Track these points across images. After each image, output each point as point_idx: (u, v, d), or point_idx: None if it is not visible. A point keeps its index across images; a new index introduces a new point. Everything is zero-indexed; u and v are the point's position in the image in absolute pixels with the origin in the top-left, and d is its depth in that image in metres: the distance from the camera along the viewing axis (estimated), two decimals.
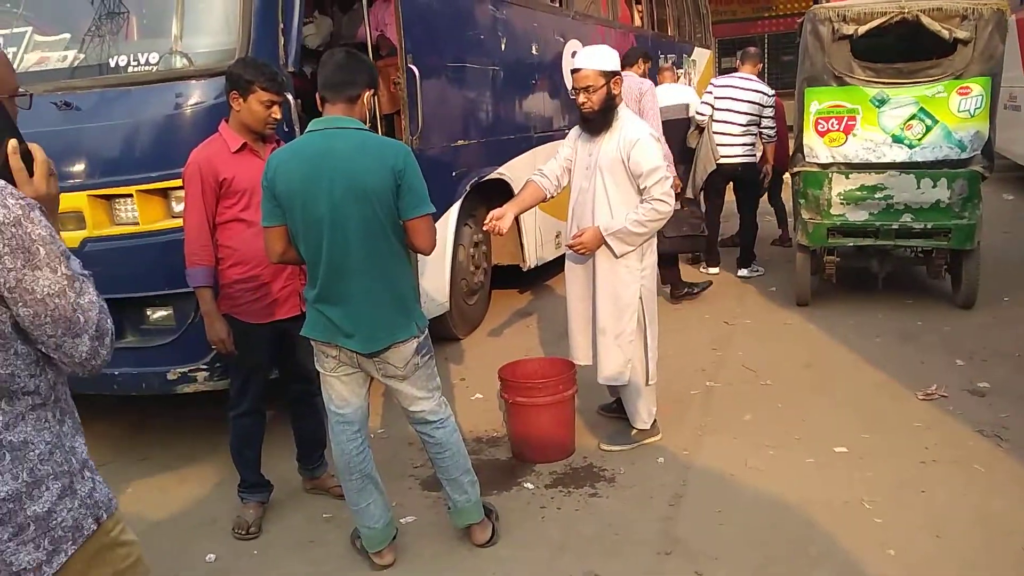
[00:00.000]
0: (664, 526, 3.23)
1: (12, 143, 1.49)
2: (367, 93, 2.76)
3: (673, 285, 6.36)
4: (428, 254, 2.88)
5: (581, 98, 3.60)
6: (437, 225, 3.06)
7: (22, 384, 1.45)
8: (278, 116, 3.12)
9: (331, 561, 3.13)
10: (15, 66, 3.72)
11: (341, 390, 2.92)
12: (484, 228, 3.65)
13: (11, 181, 1.47)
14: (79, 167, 3.56)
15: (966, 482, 3.44)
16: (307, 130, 2.74)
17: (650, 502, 3.42)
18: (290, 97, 3.70)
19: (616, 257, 3.65)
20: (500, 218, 3.59)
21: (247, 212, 3.09)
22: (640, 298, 3.75)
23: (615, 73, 3.60)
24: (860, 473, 3.57)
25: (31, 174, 1.51)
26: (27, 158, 1.51)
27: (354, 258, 2.70)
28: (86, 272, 1.55)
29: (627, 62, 6.37)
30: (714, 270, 7.16)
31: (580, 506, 3.42)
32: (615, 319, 3.74)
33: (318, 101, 2.75)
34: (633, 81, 6.19)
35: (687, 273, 6.76)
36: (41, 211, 1.45)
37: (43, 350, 1.47)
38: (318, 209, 2.65)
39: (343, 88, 2.70)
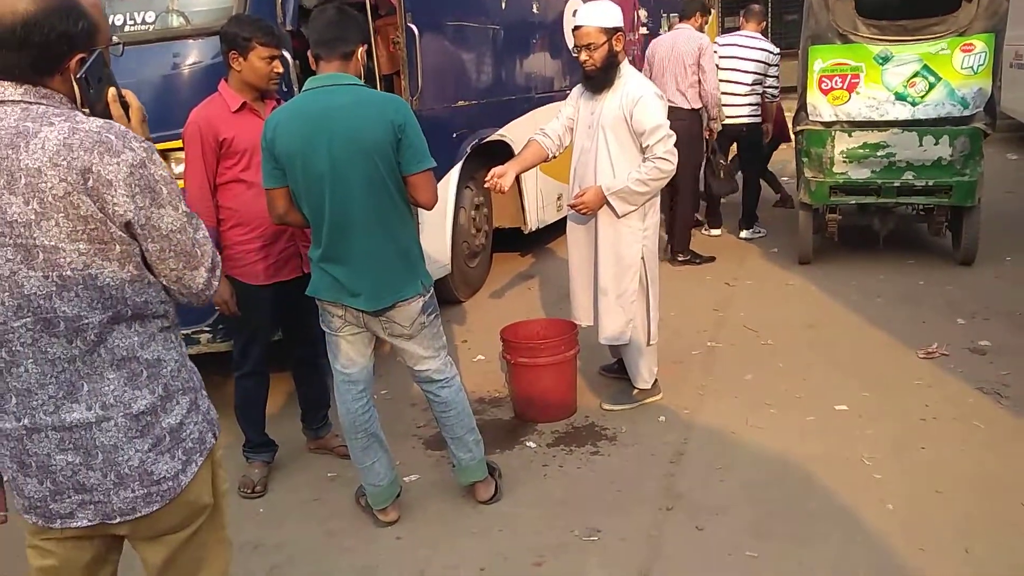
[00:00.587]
0: (665, 483, 3.27)
1: (112, 91, 1.56)
2: (361, 48, 2.75)
3: (681, 250, 6.36)
4: (430, 209, 2.88)
5: (583, 56, 3.57)
6: (438, 187, 3.05)
7: (154, 309, 1.58)
8: (280, 70, 3.10)
9: (335, 519, 3.17)
10: None
11: (347, 350, 2.92)
12: (486, 185, 3.63)
13: None
14: None
15: (966, 439, 3.47)
16: (304, 89, 2.73)
17: (651, 459, 3.45)
18: (287, 55, 3.65)
19: (618, 217, 3.64)
20: (502, 176, 3.57)
21: (247, 173, 3.07)
22: (642, 258, 3.74)
23: (617, 29, 3.56)
24: (860, 430, 3.60)
25: (128, 120, 1.59)
26: (124, 105, 1.58)
27: (357, 215, 2.69)
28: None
29: (684, 15, 6.29)
30: (716, 232, 7.15)
31: (582, 464, 3.45)
32: (617, 279, 3.74)
33: (311, 60, 2.74)
34: (691, 36, 6.10)
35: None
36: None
37: (164, 282, 1.57)
38: (319, 167, 2.63)
39: (336, 45, 2.68)
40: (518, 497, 3.21)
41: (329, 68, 2.69)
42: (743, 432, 3.64)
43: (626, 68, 3.66)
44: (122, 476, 1.55)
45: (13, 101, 1.46)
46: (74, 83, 1.51)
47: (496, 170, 3.59)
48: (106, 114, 1.54)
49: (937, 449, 3.40)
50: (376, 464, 3.00)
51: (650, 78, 5.52)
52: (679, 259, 6.35)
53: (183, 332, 3.51)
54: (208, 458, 1.68)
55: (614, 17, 3.58)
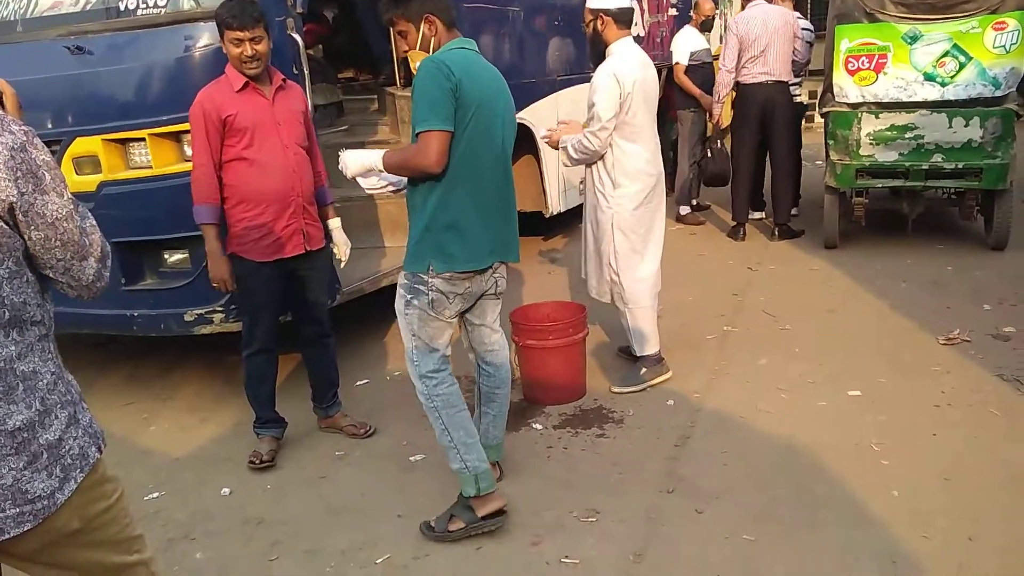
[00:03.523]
0: (668, 466, 3.25)
1: None
2: None
3: (783, 222, 6.45)
4: None
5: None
6: None
7: (31, 313, 1.49)
8: (250, 53, 3.06)
9: (340, 496, 3.21)
10: (28, 12, 3.77)
11: (448, 332, 2.89)
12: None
13: None
14: (93, 111, 3.61)
15: (980, 426, 3.40)
16: (457, 46, 2.75)
17: (656, 443, 3.43)
18: (297, 37, 3.68)
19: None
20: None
21: (249, 151, 3.12)
22: (612, 227, 3.83)
23: (600, 11, 3.72)
24: (872, 416, 3.54)
25: (2, 107, 1.53)
26: None
27: (509, 170, 2.85)
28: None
29: None
30: (758, 215, 7.05)
31: (586, 446, 3.45)
32: (596, 241, 3.93)
33: (440, 25, 2.76)
34: (782, 11, 6.17)
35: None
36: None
37: (51, 274, 1.51)
38: (497, 121, 2.75)
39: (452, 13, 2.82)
40: (519, 477, 3.22)
41: (454, 35, 2.80)
42: (752, 417, 3.60)
43: (616, 47, 3.73)
44: None
45: None
46: None
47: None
48: None
49: (949, 436, 3.33)
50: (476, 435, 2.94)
51: (739, 56, 6.00)
52: (779, 232, 6.43)
53: (195, 312, 3.66)
54: (90, 474, 1.58)
55: (600, 0, 3.74)
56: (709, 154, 6.63)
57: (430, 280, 2.73)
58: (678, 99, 7.22)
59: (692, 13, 7.28)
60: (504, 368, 3.06)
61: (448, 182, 2.68)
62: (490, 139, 2.73)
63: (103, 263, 1.56)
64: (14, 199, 1.39)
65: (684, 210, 7.18)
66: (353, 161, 2.86)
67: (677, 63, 6.95)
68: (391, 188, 2.91)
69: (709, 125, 6.92)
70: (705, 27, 7.14)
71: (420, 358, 2.85)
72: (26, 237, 1.43)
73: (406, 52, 2.84)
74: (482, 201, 2.75)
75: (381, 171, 2.83)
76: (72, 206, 1.48)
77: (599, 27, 3.73)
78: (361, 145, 4.88)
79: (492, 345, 3.03)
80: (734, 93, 6.45)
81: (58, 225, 1.45)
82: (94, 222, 1.54)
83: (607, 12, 3.69)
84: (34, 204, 1.41)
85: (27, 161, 1.41)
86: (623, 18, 3.73)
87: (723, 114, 6.75)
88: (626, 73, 3.62)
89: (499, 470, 3.18)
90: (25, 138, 1.42)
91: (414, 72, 2.70)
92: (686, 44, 6.97)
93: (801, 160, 7.02)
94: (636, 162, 3.76)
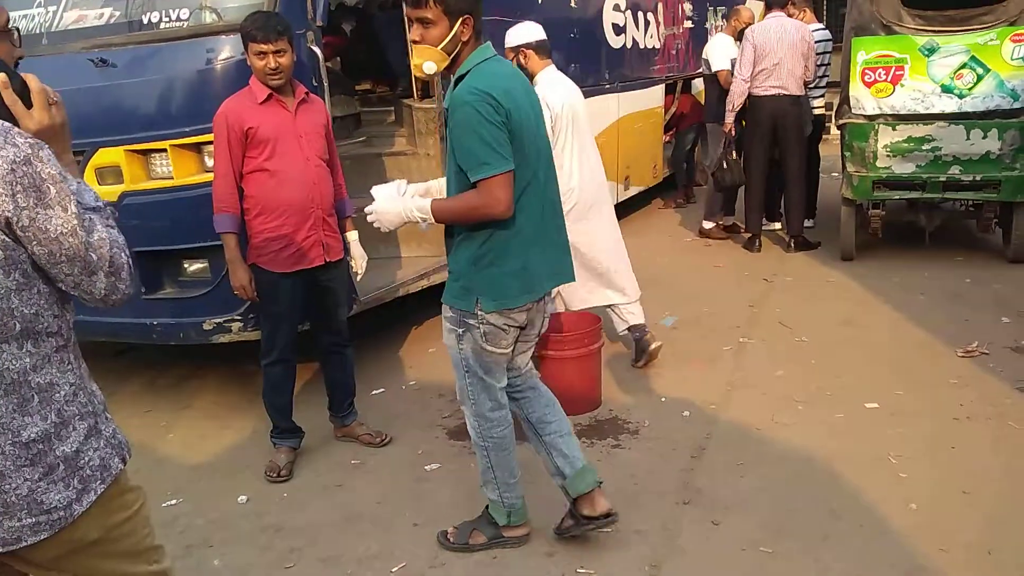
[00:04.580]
0: (684, 477, 3.25)
1: (2, 77, 1.47)
2: None
3: (796, 235, 6.47)
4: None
5: None
6: None
7: (46, 324, 1.47)
8: (274, 65, 3.09)
9: (356, 504, 3.23)
10: (54, 26, 3.84)
11: (505, 363, 2.67)
12: None
13: (13, 121, 1.47)
14: (116, 122, 3.66)
15: (999, 439, 3.37)
16: (489, 57, 2.47)
17: (672, 454, 3.43)
18: (317, 50, 3.72)
19: None
20: None
21: (271, 162, 3.15)
22: None
23: (520, 47, 3.94)
24: (890, 429, 3.52)
25: (29, 106, 1.51)
26: (24, 91, 1.50)
27: (555, 194, 2.64)
28: (99, 204, 1.56)
29: (777, 3, 6.21)
30: (776, 225, 7.02)
31: (602, 457, 3.45)
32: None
33: (471, 32, 2.42)
34: (797, 25, 6.14)
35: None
36: (50, 150, 1.45)
37: (63, 288, 1.49)
38: (540, 138, 2.54)
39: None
40: (536, 488, 3.20)
41: (480, 43, 2.49)
42: (768, 429, 3.59)
43: (541, 76, 3.96)
44: (8, 505, 1.45)
45: None
46: None
47: None
48: (4, 107, 1.47)
49: (968, 449, 3.31)
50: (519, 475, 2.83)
51: (754, 66, 5.99)
52: (794, 244, 6.42)
53: (214, 321, 3.70)
54: (112, 485, 1.56)
55: (515, 37, 3.96)
56: (724, 165, 6.59)
57: (480, 314, 2.51)
58: (709, 111, 7.15)
59: (725, 20, 7.21)
60: (543, 388, 2.85)
61: (527, 208, 2.48)
62: (539, 158, 2.52)
63: (115, 276, 1.51)
64: (10, 214, 1.37)
65: (708, 224, 7.08)
66: (389, 216, 2.53)
67: (720, 70, 6.76)
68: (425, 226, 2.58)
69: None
70: (741, 36, 6.93)
71: (476, 395, 2.65)
72: (30, 251, 1.41)
73: (417, 42, 2.44)
74: (539, 229, 2.52)
75: (430, 223, 2.51)
76: (77, 221, 1.44)
77: (523, 61, 3.93)
78: (378, 157, 4.95)
79: (526, 366, 2.83)
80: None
81: (62, 240, 1.42)
82: (103, 235, 1.49)
83: (528, 46, 3.94)
84: (35, 219, 1.39)
85: (29, 175, 1.38)
86: (543, 49, 3.99)
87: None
88: (554, 98, 3.84)
89: (604, 501, 2.79)
90: (30, 151, 1.39)
91: (417, 70, 2.46)
92: (724, 50, 6.82)
93: (819, 172, 7.02)
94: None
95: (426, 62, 2.43)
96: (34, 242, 1.40)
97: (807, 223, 6.99)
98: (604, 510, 2.76)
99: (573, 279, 2.79)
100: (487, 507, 2.87)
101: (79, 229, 1.44)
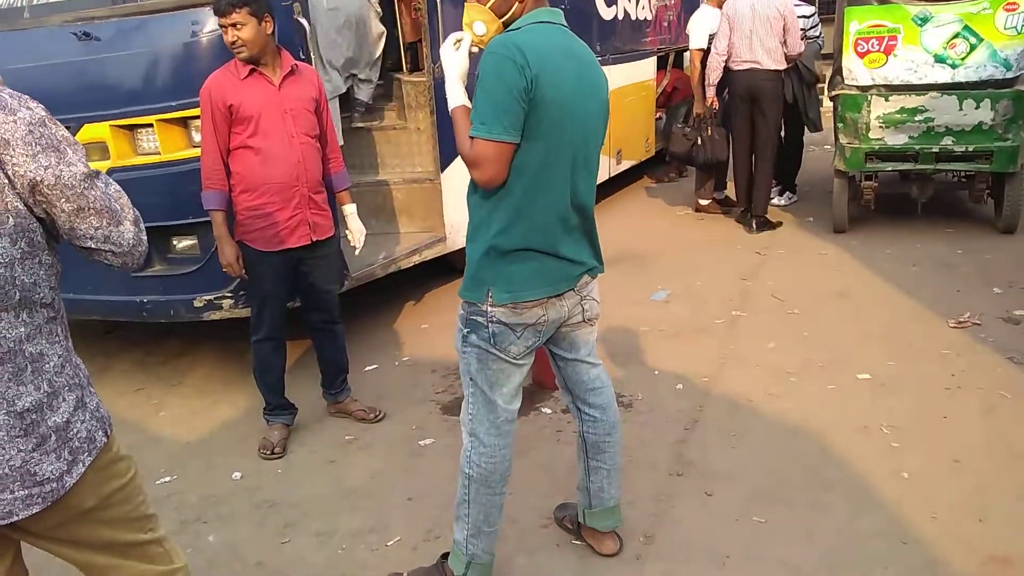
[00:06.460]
0: (677, 449, 3.26)
1: None
2: None
3: (760, 214, 6.35)
4: None
5: None
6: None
7: (42, 295, 1.49)
8: (231, 38, 3.02)
9: (350, 479, 3.23)
10: None
11: (516, 378, 2.32)
12: None
13: None
14: (100, 97, 3.61)
15: (990, 409, 3.39)
16: (536, 20, 2.16)
17: (665, 426, 3.44)
18: (304, 22, 3.67)
19: None
20: None
21: (254, 139, 3.10)
22: None
23: None
24: (882, 400, 3.54)
25: None
26: None
27: (590, 187, 2.27)
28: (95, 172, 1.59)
29: None
30: (773, 199, 6.95)
31: None
32: None
33: None
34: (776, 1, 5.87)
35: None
36: None
37: (93, 245, 1.51)
38: (587, 118, 2.19)
39: None
40: (529, 461, 3.23)
41: (541, 3, 2.21)
42: (761, 401, 3.60)
43: None
44: (1, 477, 1.46)
45: None
46: None
47: None
48: None
49: (959, 419, 3.33)
50: (497, 529, 2.46)
51: (731, 37, 5.81)
52: (756, 224, 6.28)
53: (204, 298, 3.67)
54: (99, 457, 1.58)
55: None
56: (699, 141, 6.44)
57: (490, 310, 2.20)
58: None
59: None
60: (612, 409, 2.54)
61: (521, 199, 2.13)
62: (576, 143, 2.16)
63: (137, 225, 1.56)
64: (38, 175, 1.40)
65: (703, 201, 6.99)
66: (445, 63, 2.24)
67: (694, 49, 6.53)
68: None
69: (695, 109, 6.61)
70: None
71: (476, 410, 2.32)
72: (58, 211, 1.44)
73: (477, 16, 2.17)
74: (563, 219, 2.20)
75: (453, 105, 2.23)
76: (95, 175, 1.50)
77: None
78: (367, 132, 4.91)
79: (593, 383, 2.50)
80: None
81: (87, 194, 1.46)
82: (118, 187, 1.56)
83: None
84: (61, 176, 1.42)
85: (47, 136, 1.42)
86: None
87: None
88: None
89: (618, 541, 2.66)
90: (45, 114, 1.44)
91: (468, 29, 2.20)
92: (703, 25, 6.47)
93: (802, 146, 6.97)
94: None
95: (475, 21, 2.19)
96: (63, 199, 1.44)
97: (791, 198, 6.99)
98: (608, 552, 2.64)
99: (602, 269, 2.40)
100: (444, 555, 2.53)
101: (98, 181, 1.50)
